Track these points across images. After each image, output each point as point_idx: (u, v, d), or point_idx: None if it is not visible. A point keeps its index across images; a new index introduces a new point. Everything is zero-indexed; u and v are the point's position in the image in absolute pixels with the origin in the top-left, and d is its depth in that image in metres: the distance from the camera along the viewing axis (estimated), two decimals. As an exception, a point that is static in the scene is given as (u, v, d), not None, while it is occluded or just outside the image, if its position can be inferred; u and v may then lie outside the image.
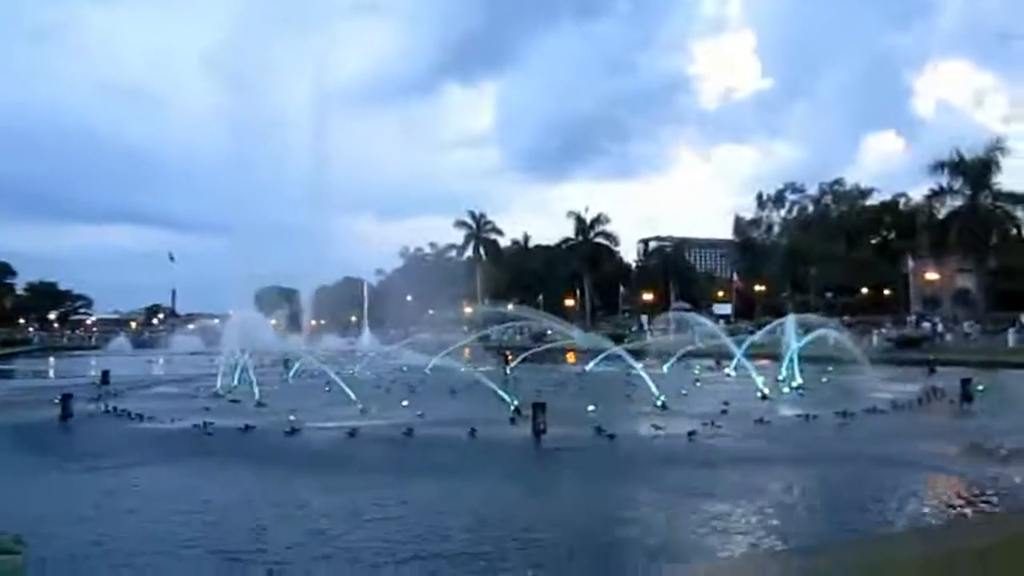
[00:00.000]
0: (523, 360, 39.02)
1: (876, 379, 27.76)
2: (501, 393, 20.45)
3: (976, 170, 60.25)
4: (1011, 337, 46.56)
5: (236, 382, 27.42)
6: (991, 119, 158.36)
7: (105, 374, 29.51)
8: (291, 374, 32.67)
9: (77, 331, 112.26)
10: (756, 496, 10.68)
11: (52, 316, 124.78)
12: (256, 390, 24.19)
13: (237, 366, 28.53)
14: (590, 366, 35.63)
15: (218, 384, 27.18)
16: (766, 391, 23.58)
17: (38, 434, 17.99)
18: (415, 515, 9.87)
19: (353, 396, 21.59)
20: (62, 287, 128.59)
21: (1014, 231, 63.41)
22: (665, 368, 32.89)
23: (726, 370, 32.96)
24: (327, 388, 25.71)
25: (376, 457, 14.74)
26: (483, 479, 12.49)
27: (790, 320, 30.02)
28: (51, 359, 58.82)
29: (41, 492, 11.81)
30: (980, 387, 22.14)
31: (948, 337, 52.74)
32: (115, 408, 21.24)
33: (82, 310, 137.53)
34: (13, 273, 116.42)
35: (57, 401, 20.08)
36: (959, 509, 9.91)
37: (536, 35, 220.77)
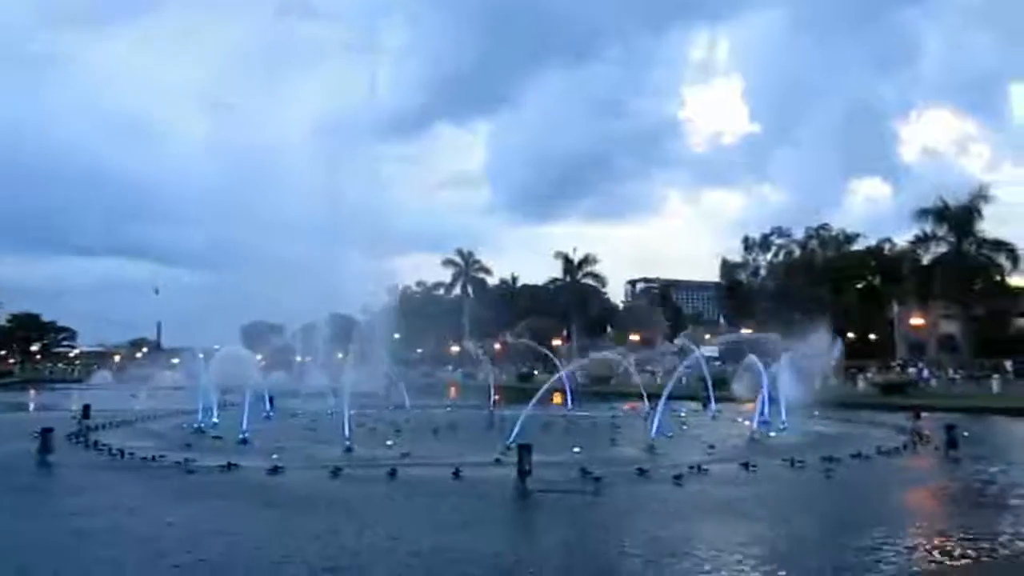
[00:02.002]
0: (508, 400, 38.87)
1: (861, 424, 27.77)
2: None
3: (960, 217, 61.12)
4: (995, 383, 46.76)
5: (217, 418, 27.18)
6: (975, 165, 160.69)
7: (86, 408, 29.15)
8: (270, 409, 32.40)
9: (60, 364, 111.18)
10: (743, 549, 10.61)
11: (35, 348, 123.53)
12: (245, 425, 23.91)
13: (221, 402, 28.29)
14: (570, 407, 35.77)
15: (200, 420, 26.93)
16: (751, 435, 23.57)
17: (14, 469, 17.68)
18: (388, 566, 9.70)
19: (346, 433, 21.40)
20: (45, 318, 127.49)
21: (998, 278, 63.98)
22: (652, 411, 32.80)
23: (712, 413, 32.98)
24: (311, 426, 25.51)
25: (359, 497, 14.58)
26: (464, 522, 12.36)
27: (784, 363, 29.76)
28: (32, 392, 58.18)
29: (7, 533, 11.28)
30: (965, 433, 22.14)
31: (933, 383, 52.93)
32: (95, 443, 20.99)
33: (65, 342, 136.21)
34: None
35: (36, 435, 19.80)
36: (944, 561, 9.84)
37: (528, 77, 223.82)
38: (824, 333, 35.89)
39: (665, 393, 25.58)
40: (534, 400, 23.91)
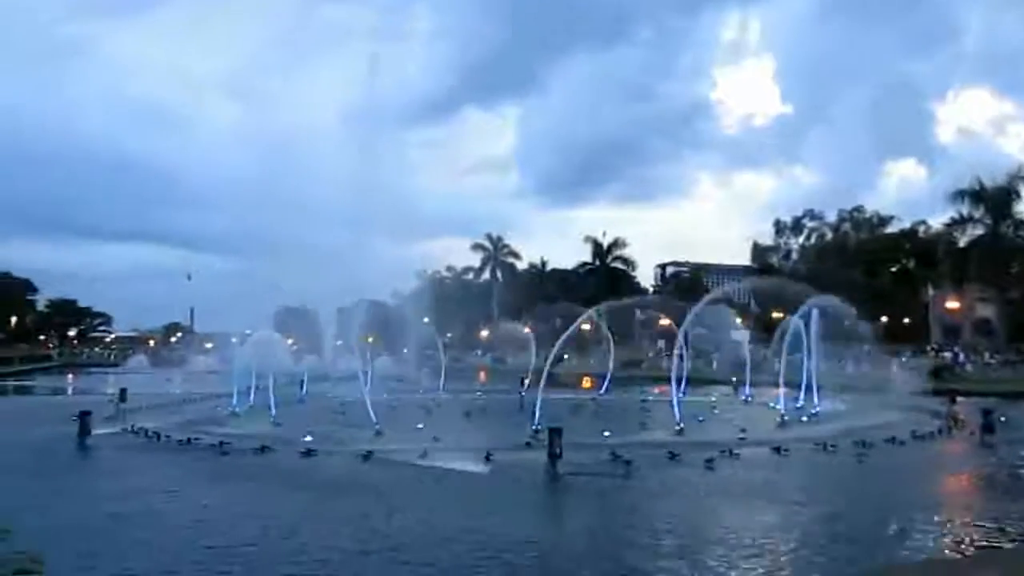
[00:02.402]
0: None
1: (896, 408, 27.42)
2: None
3: (997, 199, 59.76)
4: (1033, 368, 45.96)
5: (251, 402, 27.48)
6: (1013, 146, 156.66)
7: (123, 392, 29.60)
8: (303, 393, 32.77)
9: (96, 348, 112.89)
10: (774, 536, 10.55)
11: (72, 333, 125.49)
12: (273, 410, 24.30)
13: (254, 386, 28.59)
14: (603, 391, 35.58)
15: (235, 403, 27.24)
16: (783, 419, 23.38)
17: (54, 452, 18.03)
18: (419, 551, 9.71)
19: (374, 417, 21.54)
20: (82, 304, 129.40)
21: (1035, 260, 62.70)
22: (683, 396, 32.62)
23: (743, 397, 32.71)
24: (342, 410, 25.71)
25: (390, 481, 14.67)
26: (494, 506, 12.39)
27: (814, 346, 29.34)
28: (70, 376, 59.15)
29: (45, 516, 11.27)
30: (1002, 418, 21.81)
31: (968, 367, 52.10)
32: (132, 426, 21.33)
33: (101, 327, 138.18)
34: (35, 290, 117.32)
35: (75, 418, 20.17)
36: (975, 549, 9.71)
37: (557, 60, 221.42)
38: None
39: (673, 377, 25.03)
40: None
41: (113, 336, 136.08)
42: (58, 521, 11.06)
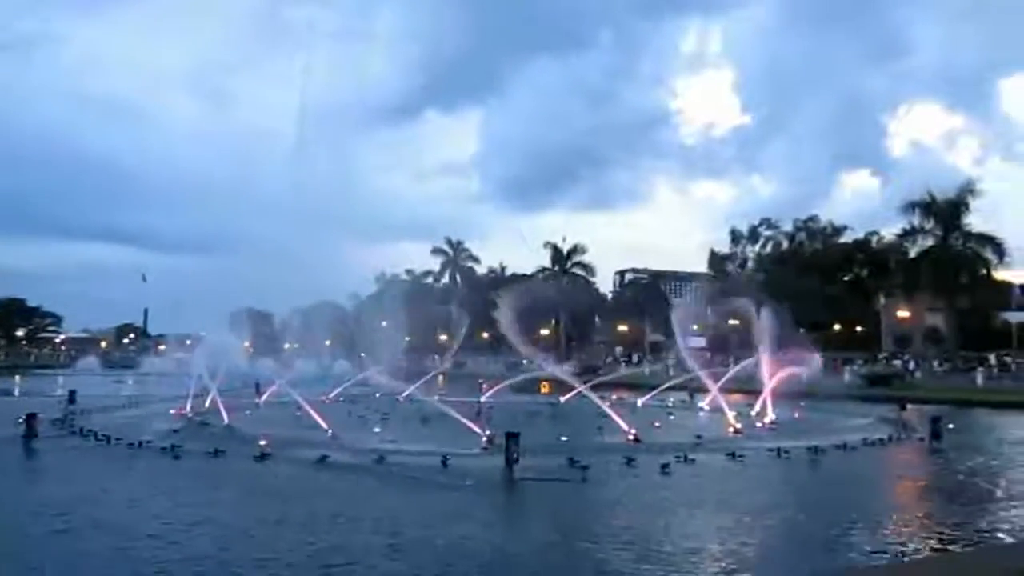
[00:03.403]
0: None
1: (847, 415, 27.90)
2: (469, 423, 20.53)
3: (947, 211, 61.31)
4: (979, 376, 47.04)
5: (205, 405, 27.08)
6: (963, 160, 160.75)
7: (72, 393, 29.03)
8: (262, 399, 32.33)
9: (45, 349, 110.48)
10: (728, 539, 10.65)
11: (20, 333, 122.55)
12: (226, 413, 23.96)
13: (207, 389, 28.17)
14: (565, 398, 35.64)
15: (188, 406, 26.80)
16: (738, 426, 23.62)
17: (-1, 455, 17.58)
18: (373, 560, 9.59)
19: (323, 423, 21.38)
20: (31, 304, 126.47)
21: (984, 271, 64.26)
22: (639, 402, 32.95)
23: (700, 404, 33.01)
24: (298, 413, 25.46)
25: (345, 486, 14.55)
26: (450, 512, 12.33)
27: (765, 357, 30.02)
28: (17, 377, 57.69)
29: None
30: (950, 425, 22.31)
31: (918, 375, 53.19)
32: (81, 429, 20.88)
33: (51, 328, 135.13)
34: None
35: (21, 420, 19.69)
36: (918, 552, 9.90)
37: (519, 65, 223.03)
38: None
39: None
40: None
41: (63, 337, 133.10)
42: (1, 530, 10.75)
